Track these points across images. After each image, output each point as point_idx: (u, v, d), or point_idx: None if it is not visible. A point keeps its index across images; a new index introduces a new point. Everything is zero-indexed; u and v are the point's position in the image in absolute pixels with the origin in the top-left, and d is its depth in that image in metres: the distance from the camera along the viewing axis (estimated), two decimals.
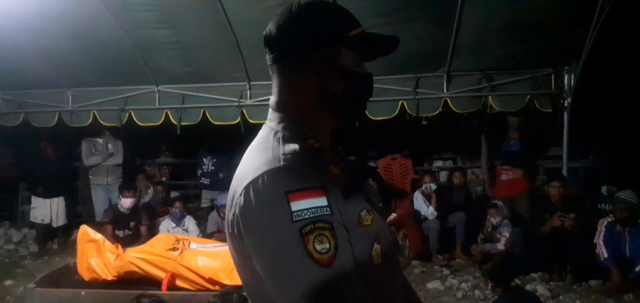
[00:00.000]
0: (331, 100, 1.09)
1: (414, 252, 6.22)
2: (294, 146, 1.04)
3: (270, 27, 1.12)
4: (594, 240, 5.18)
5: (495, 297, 3.68)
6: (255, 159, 1.05)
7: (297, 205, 0.94)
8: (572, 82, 5.59)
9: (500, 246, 5.82)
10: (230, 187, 1.08)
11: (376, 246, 1.07)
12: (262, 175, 0.99)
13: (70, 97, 6.67)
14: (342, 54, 1.08)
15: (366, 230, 1.06)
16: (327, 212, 0.96)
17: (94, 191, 7.42)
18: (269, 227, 0.96)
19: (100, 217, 6.89)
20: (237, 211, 1.01)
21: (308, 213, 0.94)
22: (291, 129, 1.09)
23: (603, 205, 5.87)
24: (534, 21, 5.03)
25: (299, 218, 0.94)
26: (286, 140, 1.06)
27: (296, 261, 0.93)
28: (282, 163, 1.00)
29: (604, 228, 5.17)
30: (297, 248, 0.93)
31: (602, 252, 5.07)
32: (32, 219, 7.31)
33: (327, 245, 0.94)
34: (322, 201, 0.96)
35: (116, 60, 6.02)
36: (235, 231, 1.03)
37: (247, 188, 0.99)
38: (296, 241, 0.93)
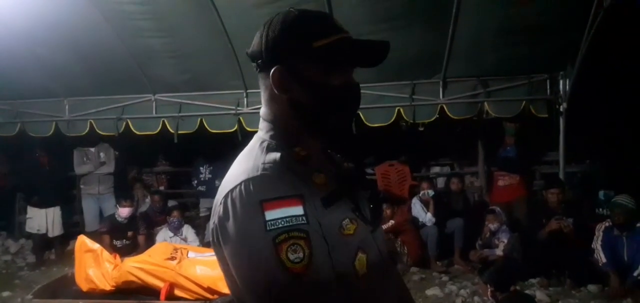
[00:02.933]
0: (303, 112, 1.08)
1: (413, 258, 6.21)
2: (275, 155, 1.04)
3: (253, 42, 1.13)
4: (592, 245, 5.19)
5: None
6: (238, 168, 1.06)
7: (271, 214, 0.95)
8: (568, 87, 5.61)
9: (499, 252, 5.82)
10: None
11: (360, 255, 1.05)
12: (240, 185, 1.00)
13: (67, 107, 6.66)
14: (305, 67, 1.05)
15: (347, 239, 1.04)
16: (303, 221, 0.96)
17: (85, 201, 7.33)
18: (243, 235, 0.97)
19: (90, 227, 6.87)
20: (216, 220, 1.02)
21: (282, 223, 0.94)
22: (278, 138, 1.09)
23: (600, 209, 5.88)
24: (528, 26, 5.06)
25: (273, 227, 0.94)
26: (271, 149, 1.07)
27: (269, 270, 0.93)
28: (260, 172, 1.01)
29: (601, 233, 5.18)
30: (270, 257, 0.93)
31: (600, 256, 5.07)
32: (28, 229, 7.28)
33: (300, 255, 0.94)
34: (297, 210, 0.96)
35: (113, 69, 6.02)
36: (216, 239, 1.04)
37: (226, 197, 1.01)
38: (269, 250, 0.93)
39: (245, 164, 1.05)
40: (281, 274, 0.93)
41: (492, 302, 3.76)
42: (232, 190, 1.00)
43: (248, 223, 0.96)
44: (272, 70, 1.07)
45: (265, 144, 1.09)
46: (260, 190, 0.98)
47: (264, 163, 1.03)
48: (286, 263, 0.93)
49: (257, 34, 1.11)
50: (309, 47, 1.05)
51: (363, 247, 1.07)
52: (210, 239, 1.08)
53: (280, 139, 1.09)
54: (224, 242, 1.01)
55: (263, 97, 1.14)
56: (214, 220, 1.04)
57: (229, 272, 1.05)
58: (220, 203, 1.02)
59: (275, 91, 1.08)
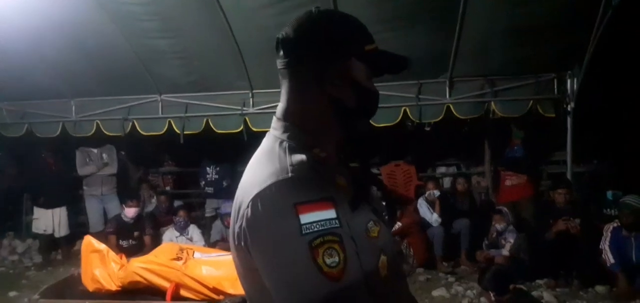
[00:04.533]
0: (341, 113, 1.08)
1: (419, 259, 6.19)
2: (301, 157, 1.02)
3: (288, 30, 1.09)
4: (600, 246, 5.15)
5: None
6: (262, 170, 1.02)
7: (306, 218, 0.93)
8: (575, 86, 5.57)
9: (505, 252, 5.79)
10: (236, 197, 1.06)
11: (383, 257, 1.05)
12: (269, 187, 0.97)
13: (73, 107, 6.69)
14: (357, 68, 1.08)
15: (373, 242, 1.04)
16: (336, 225, 0.94)
17: (88, 202, 7.35)
18: (277, 239, 0.94)
19: (94, 228, 6.89)
20: (244, 223, 0.99)
21: (317, 226, 0.93)
22: (296, 138, 1.07)
23: (608, 210, 5.83)
24: (536, 26, 5.03)
25: (308, 230, 0.92)
26: (292, 150, 1.04)
27: (306, 275, 0.91)
28: (290, 174, 0.98)
29: (609, 234, 5.14)
30: (306, 261, 0.91)
31: (608, 257, 5.03)
32: (34, 230, 7.32)
33: (336, 259, 0.92)
34: (331, 213, 0.95)
35: (119, 70, 6.04)
36: (242, 244, 1.01)
37: (254, 200, 0.98)
38: (306, 254, 0.91)
39: (270, 166, 1.02)
40: (318, 279, 0.91)
41: None
42: (261, 193, 0.97)
43: (282, 226, 0.94)
44: (330, 66, 1.06)
45: (285, 144, 1.06)
46: (292, 193, 0.96)
47: (292, 165, 1.00)
48: (323, 268, 0.91)
49: (293, 25, 1.09)
50: (363, 50, 1.08)
51: (384, 248, 1.07)
52: (234, 243, 1.05)
53: (298, 139, 1.07)
54: (253, 245, 0.99)
55: (286, 92, 1.11)
56: (240, 223, 1.00)
57: (250, 276, 1.03)
58: (248, 206, 0.98)
59: (318, 86, 1.07)
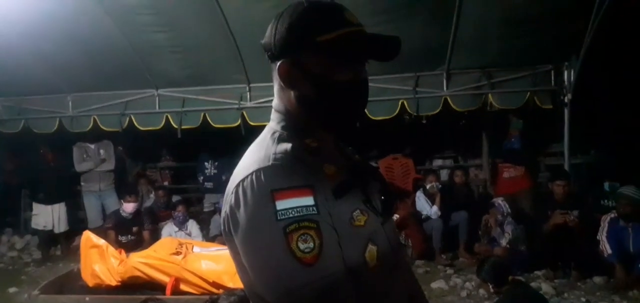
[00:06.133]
0: (309, 106, 1.08)
1: (417, 252, 6.21)
2: (286, 145, 1.05)
3: (269, 27, 1.12)
4: (598, 237, 5.16)
5: (498, 298, 3.67)
6: (250, 158, 1.06)
7: (282, 204, 0.95)
8: (572, 77, 5.57)
9: (504, 243, 5.80)
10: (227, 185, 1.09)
11: (371, 247, 1.05)
12: (251, 174, 1.00)
13: (70, 103, 6.67)
14: (309, 60, 1.05)
15: (358, 230, 1.04)
16: (313, 212, 0.96)
17: (86, 198, 7.35)
18: (254, 225, 0.98)
19: (93, 224, 6.89)
20: (227, 209, 1.03)
21: (293, 212, 0.95)
22: (289, 129, 1.10)
23: (606, 201, 5.86)
24: (532, 16, 5.03)
25: (283, 216, 0.94)
26: (281, 139, 1.07)
27: (279, 259, 0.94)
28: (271, 162, 1.01)
29: (607, 224, 5.16)
30: (280, 246, 0.94)
31: (606, 248, 5.05)
32: (33, 226, 7.32)
33: (311, 245, 0.94)
34: (308, 200, 0.97)
35: (116, 65, 6.02)
36: (227, 229, 1.05)
37: (237, 187, 1.01)
38: (280, 239, 0.94)
39: (256, 154, 1.06)
40: (291, 263, 0.93)
41: (495, 297, 3.77)
42: (243, 180, 1.01)
43: (258, 212, 0.97)
44: (278, 64, 1.08)
45: (276, 134, 1.09)
46: (270, 180, 0.98)
47: (275, 153, 1.03)
48: (296, 253, 0.93)
49: (270, 25, 1.11)
50: (313, 41, 1.03)
51: (373, 238, 1.06)
52: (222, 229, 1.08)
53: (291, 129, 1.10)
54: (234, 231, 1.02)
55: (275, 88, 1.15)
56: (225, 209, 1.05)
57: (242, 262, 1.05)
58: (232, 193, 1.02)
59: (282, 84, 1.09)
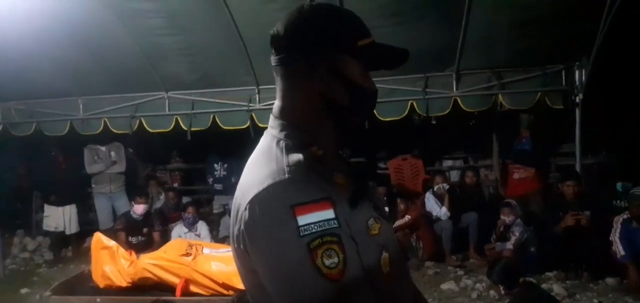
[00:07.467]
0: (333, 110, 1.05)
1: (428, 253, 6.19)
2: (298, 156, 1.01)
3: (278, 27, 1.07)
4: (610, 238, 5.11)
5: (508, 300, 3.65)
6: (260, 171, 1.01)
7: (303, 219, 0.91)
8: (584, 77, 5.51)
9: (510, 245, 5.75)
10: (234, 198, 1.05)
11: (384, 254, 1.04)
12: (266, 189, 0.95)
13: (81, 106, 6.72)
14: (348, 64, 1.03)
15: (374, 239, 1.03)
16: (335, 225, 0.93)
17: (97, 200, 7.40)
18: (276, 242, 0.93)
19: (104, 226, 6.94)
20: (242, 226, 0.98)
21: (315, 227, 0.91)
22: (293, 137, 1.05)
23: (618, 201, 5.80)
24: (543, 16, 4.98)
25: (306, 232, 0.91)
26: (289, 149, 1.03)
27: (305, 277, 0.90)
28: (286, 175, 0.97)
29: (619, 226, 5.10)
30: (305, 264, 0.90)
31: (619, 249, 4.99)
32: (45, 227, 7.39)
33: (335, 259, 0.90)
34: (329, 214, 0.93)
35: (126, 68, 6.06)
36: (241, 246, 1.00)
37: (252, 202, 0.96)
38: (304, 256, 0.90)
39: (267, 167, 1.00)
40: (317, 281, 0.89)
41: (506, 299, 3.75)
42: (258, 195, 0.96)
43: (279, 229, 0.92)
44: (320, 63, 1.03)
45: (282, 143, 1.05)
46: (289, 194, 0.94)
47: (289, 165, 0.99)
48: (322, 270, 0.89)
49: (283, 21, 1.07)
50: (356, 45, 1.03)
51: (386, 245, 1.05)
52: (234, 245, 1.03)
53: (295, 137, 1.05)
54: (251, 248, 0.97)
55: (282, 89, 1.10)
56: (239, 226, 0.99)
57: (250, 277, 1.02)
58: (245, 209, 0.97)
59: (309, 83, 1.04)
